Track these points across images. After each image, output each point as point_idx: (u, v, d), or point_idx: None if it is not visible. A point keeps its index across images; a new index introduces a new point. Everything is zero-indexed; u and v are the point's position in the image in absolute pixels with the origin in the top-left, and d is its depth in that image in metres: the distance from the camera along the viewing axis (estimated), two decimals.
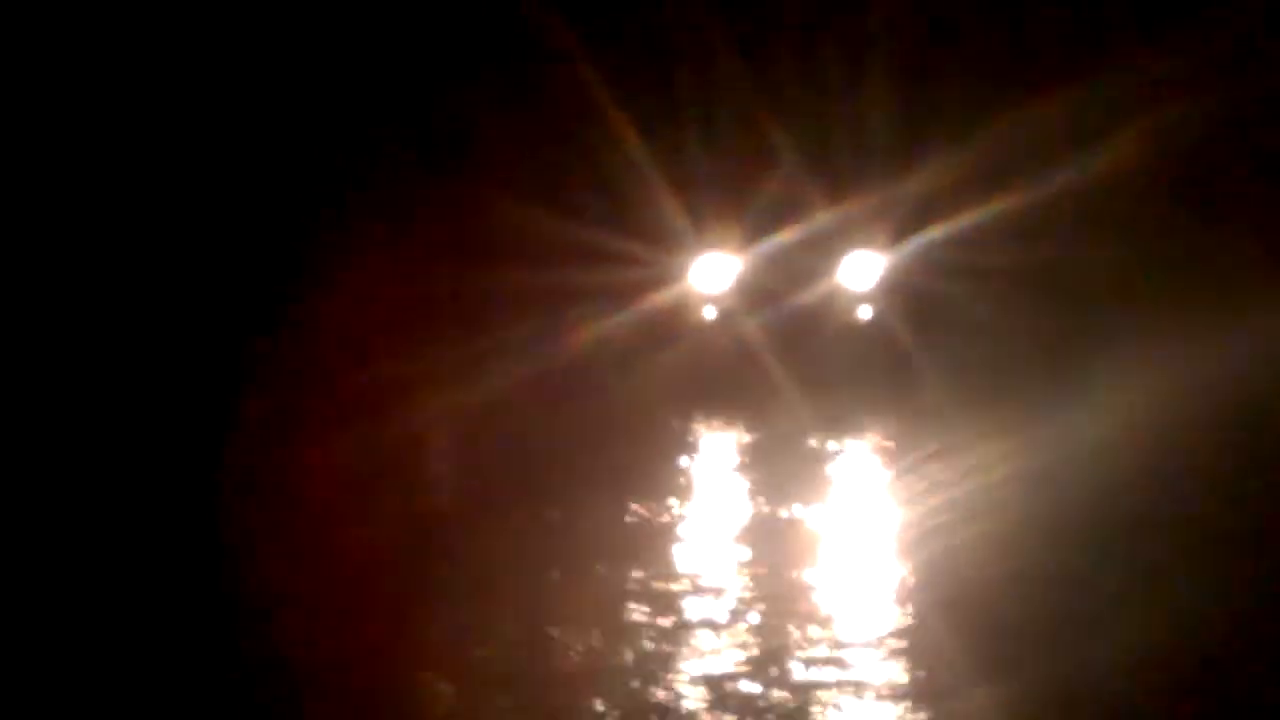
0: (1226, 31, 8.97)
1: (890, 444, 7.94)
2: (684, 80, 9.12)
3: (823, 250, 9.06)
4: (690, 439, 8.12)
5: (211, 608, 4.99)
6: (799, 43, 9.12)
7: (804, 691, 4.36)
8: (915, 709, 4.24)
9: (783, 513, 6.65)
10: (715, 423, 8.40)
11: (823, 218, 8.94)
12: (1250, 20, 9.04)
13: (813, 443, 7.78)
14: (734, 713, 4.23)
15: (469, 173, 9.58)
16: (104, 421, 7.21)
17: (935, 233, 8.84)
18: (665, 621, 5.04)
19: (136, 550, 5.56)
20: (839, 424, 8.19)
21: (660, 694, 4.35)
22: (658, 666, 4.61)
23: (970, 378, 8.37)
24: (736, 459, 7.79)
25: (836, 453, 7.76)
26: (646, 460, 7.48)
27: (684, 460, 7.67)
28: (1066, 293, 8.66)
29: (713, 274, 9.26)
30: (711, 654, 4.72)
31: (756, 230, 9.14)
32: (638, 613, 5.13)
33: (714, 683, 4.42)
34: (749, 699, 4.32)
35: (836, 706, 4.24)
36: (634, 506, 6.65)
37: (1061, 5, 9.01)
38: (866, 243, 9.11)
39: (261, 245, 9.64)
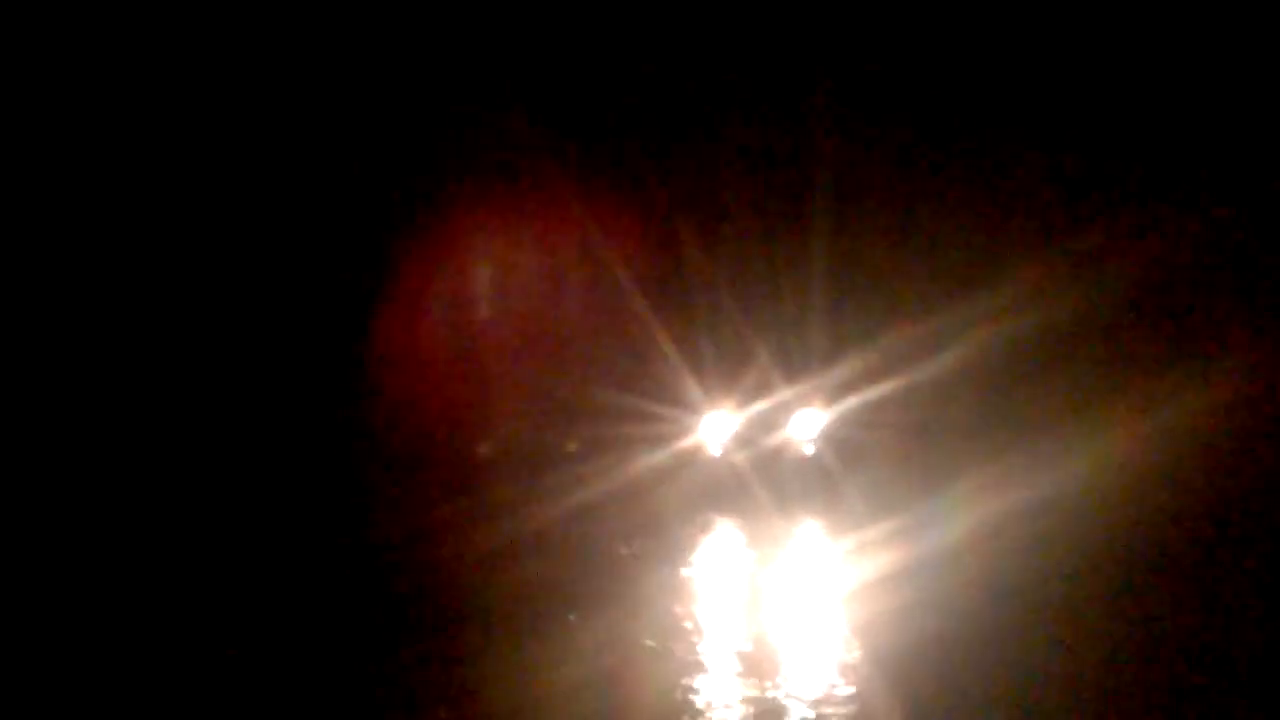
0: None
1: (824, 528, 12.46)
2: (700, 314, 14.41)
3: (782, 412, 14.21)
4: (704, 521, 12.73)
5: None
6: (764, 288, 14.50)
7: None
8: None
9: (761, 564, 11.18)
10: (719, 515, 12.95)
11: (782, 392, 14.15)
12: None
13: (777, 525, 12.32)
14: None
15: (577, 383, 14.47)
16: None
17: (851, 401, 13.93)
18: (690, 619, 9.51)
19: None
20: (794, 516, 12.74)
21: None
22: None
23: (874, 490, 12.88)
24: (733, 534, 12.50)
25: (794, 532, 12.31)
26: (679, 531, 12.09)
27: (701, 535, 12.34)
28: (931, 437, 13.52)
29: (719, 427, 14.38)
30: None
31: (744, 400, 14.33)
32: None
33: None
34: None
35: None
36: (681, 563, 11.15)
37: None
38: (809, 406, 14.25)
39: None
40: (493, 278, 14.45)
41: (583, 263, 14.33)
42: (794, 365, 14.21)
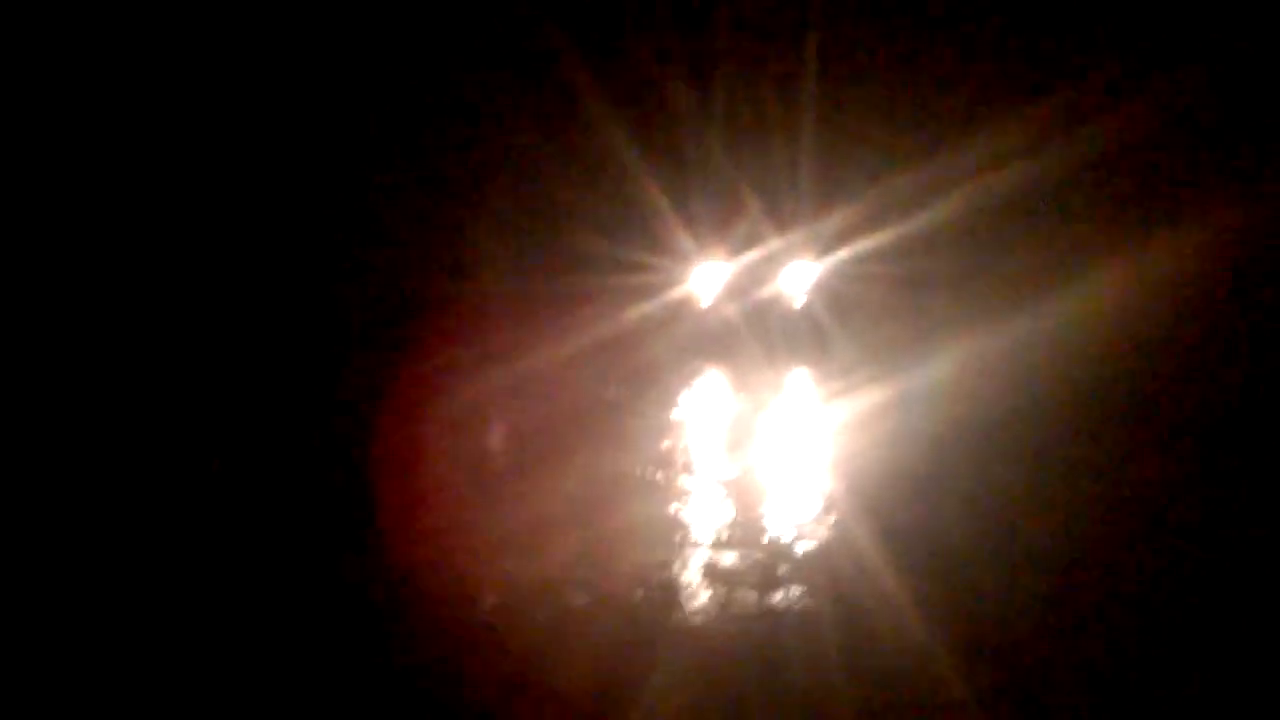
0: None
1: (813, 375, 12.87)
2: (691, 163, 14.30)
3: (773, 264, 14.27)
4: (695, 369, 12.99)
5: None
6: (755, 138, 14.37)
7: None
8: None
9: (749, 407, 11.66)
10: (709, 364, 13.19)
11: (773, 244, 14.18)
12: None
13: (766, 373, 12.70)
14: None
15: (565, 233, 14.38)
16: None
17: (842, 254, 14.03)
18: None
19: None
20: (783, 365, 13.06)
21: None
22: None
23: (863, 340, 13.36)
24: (722, 382, 12.82)
25: (782, 379, 12.68)
26: (670, 378, 12.41)
27: (691, 382, 12.68)
28: (921, 288, 13.64)
29: (709, 278, 14.44)
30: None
31: (735, 251, 14.36)
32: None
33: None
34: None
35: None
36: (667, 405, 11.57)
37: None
38: (800, 258, 14.28)
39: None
40: (475, 126, 14.23)
41: (571, 111, 14.14)
42: (785, 217, 14.17)
